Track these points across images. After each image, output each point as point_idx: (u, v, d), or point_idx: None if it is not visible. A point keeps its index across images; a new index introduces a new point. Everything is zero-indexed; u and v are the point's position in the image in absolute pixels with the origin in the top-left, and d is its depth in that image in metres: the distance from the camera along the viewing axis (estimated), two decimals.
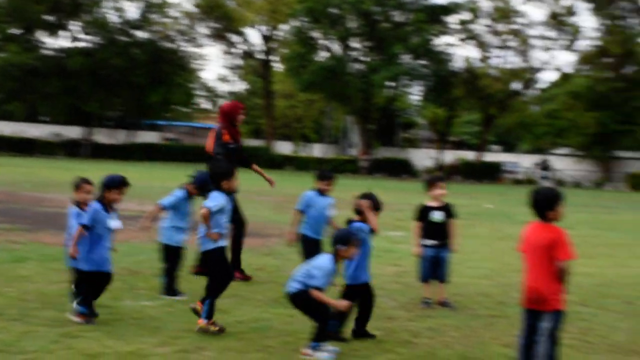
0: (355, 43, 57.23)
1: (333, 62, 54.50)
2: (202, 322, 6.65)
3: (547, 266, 5.42)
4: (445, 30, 58.41)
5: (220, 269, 6.87)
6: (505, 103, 62.51)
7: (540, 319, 5.45)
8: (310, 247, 8.33)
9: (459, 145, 76.13)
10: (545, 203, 5.54)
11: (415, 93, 66.10)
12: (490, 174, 60.68)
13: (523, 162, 68.73)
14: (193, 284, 8.42)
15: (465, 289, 9.33)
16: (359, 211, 6.88)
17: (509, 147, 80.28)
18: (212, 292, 6.75)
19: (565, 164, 69.31)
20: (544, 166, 64.73)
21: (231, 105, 9.96)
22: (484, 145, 66.50)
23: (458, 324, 7.52)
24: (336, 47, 57.04)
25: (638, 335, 7.38)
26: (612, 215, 24.99)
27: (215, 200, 6.82)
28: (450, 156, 64.92)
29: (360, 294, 6.85)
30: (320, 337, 6.08)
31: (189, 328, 6.70)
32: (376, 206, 6.93)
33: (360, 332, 6.82)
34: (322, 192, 8.57)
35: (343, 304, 6.28)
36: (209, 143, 9.59)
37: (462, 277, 10.07)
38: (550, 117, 64.70)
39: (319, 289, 6.05)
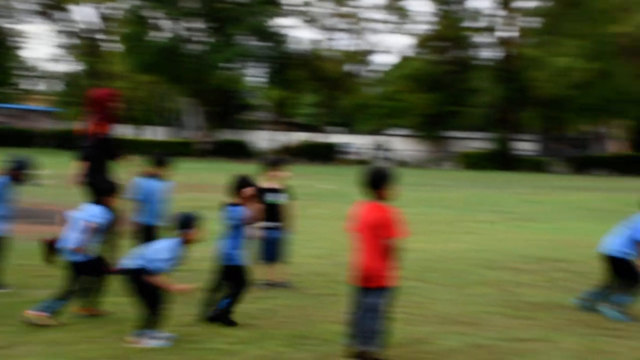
0: (192, 23, 56.29)
1: (170, 43, 53.38)
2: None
3: (377, 244, 5.52)
4: (283, 11, 58.66)
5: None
6: (343, 85, 63.79)
7: (370, 296, 5.55)
8: (148, 234, 8.13)
9: (299, 127, 76.94)
10: (377, 182, 5.63)
11: (255, 75, 66.07)
12: (329, 155, 61.86)
13: (361, 143, 70.51)
14: (19, 276, 8.02)
15: (300, 269, 9.44)
16: (238, 195, 6.79)
17: (347, 129, 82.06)
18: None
19: (401, 144, 71.79)
20: (381, 147, 66.81)
21: (102, 92, 9.12)
22: (323, 127, 67.67)
23: (293, 304, 7.61)
24: (173, 27, 55.86)
25: (462, 306, 7.76)
26: (444, 193, 26.15)
27: (101, 216, 6.64)
28: (291, 138, 65.52)
29: (233, 276, 6.76)
30: (149, 324, 5.94)
31: (12, 323, 6.38)
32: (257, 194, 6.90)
33: (221, 317, 6.69)
34: (157, 177, 8.38)
35: (184, 287, 6.11)
36: (78, 130, 8.99)
37: (298, 257, 10.17)
38: (387, 99, 66.68)
39: (159, 273, 5.91)
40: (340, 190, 24.59)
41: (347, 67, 64.04)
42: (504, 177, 45.38)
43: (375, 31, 64.19)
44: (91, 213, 6.69)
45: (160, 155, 8.55)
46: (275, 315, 7.09)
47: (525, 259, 11.05)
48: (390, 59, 74.83)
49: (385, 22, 63.38)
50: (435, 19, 63.19)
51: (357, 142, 70.72)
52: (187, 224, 6.13)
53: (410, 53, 66.85)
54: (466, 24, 60.85)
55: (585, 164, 60.41)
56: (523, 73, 56.33)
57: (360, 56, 63.99)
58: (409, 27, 63.99)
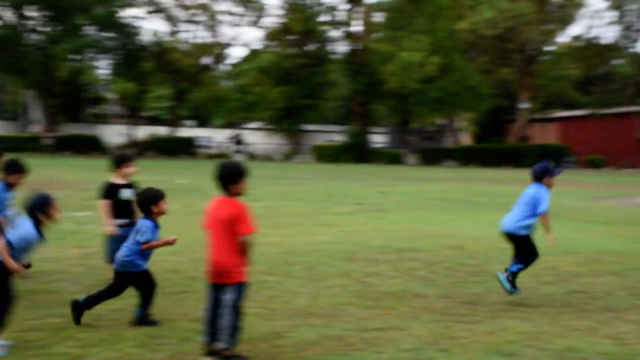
0: (32, 12, 53.54)
1: (6, 32, 50.63)
2: None
3: (229, 240, 5.46)
4: (132, 2, 57.12)
5: None
6: (196, 77, 62.97)
7: (224, 292, 5.48)
8: None
9: (152, 121, 75.33)
10: (229, 177, 5.55)
11: (103, 67, 64.05)
12: (184, 149, 60.96)
13: (217, 136, 70.01)
14: None
15: (155, 267, 9.08)
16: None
17: (202, 122, 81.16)
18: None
19: (257, 138, 71.85)
20: (237, 140, 66.57)
21: None
22: (177, 121, 66.55)
23: None
24: (9, 16, 52.98)
25: (318, 299, 7.74)
26: (299, 186, 26.30)
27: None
28: (142, 132, 64.02)
29: (135, 280, 6.57)
30: None
31: None
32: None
33: (142, 321, 6.52)
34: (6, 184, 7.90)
35: (18, 268, 5.66)
36: None
37: (153, 254, 9.86)
38: (241, 92, 66.48)
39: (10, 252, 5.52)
40: (195, 185, 24.21)
41: (200, 60, 63.22)
42: (360, 169, 46.38)
43: (227, 24, 63.77)
44: None
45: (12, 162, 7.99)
46: (128, 315, 6.77)
47: (382, 250, 11.22)
48: (244, 52, 74.65)
49: (236, 14, 63.04)
50: (285, 12, 63.49)
51: (213, 136, 70.16)
52: (42, 205, 5.76)
53: (262, 46, 66.91)
54: (316, 17, 61.47)
55: (436, 155, 62.74)
56: (373, 67, 57.69)
57: (213, 49, 63.33)
58: (261, 20, 63.96)
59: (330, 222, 15.22)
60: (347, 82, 64.26)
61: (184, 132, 67.61)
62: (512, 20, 57.92)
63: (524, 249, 7.99)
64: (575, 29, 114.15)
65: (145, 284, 6.66)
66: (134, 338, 6.05)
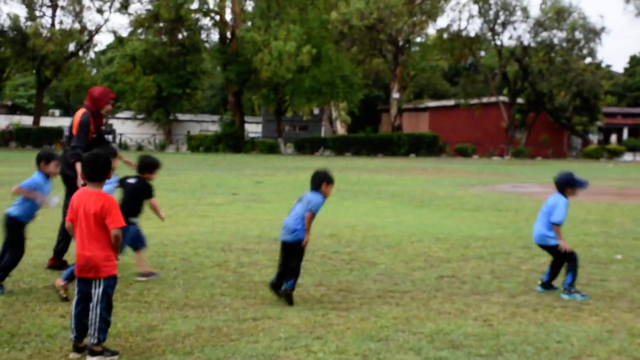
0: None
1: None
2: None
3: (98, 234, 5.34)
4: None
5: None
6: (60, 65, 60.57)
7: (94, 286, 5.33)
8: None
9: (13, 109, 72.10)
10: (95, 171, 5.44)
11: None
12: (50, 139, 58.64)
13: None
14: None
15: (22, 261, 8.71)
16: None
17: (69, 112, 78.42)
18: None
19: (127, 128, 70.18)
20: (107, 130, 64.69)
21: (101, 91, 9.00)
22: (41, 109, 63.87)
23: (10, 301, 6.97)
24: None
25: (192, 290, 7.62)
26: (173, 177, 25.85)
27: None
28: (3, 121, 61.20)
29: None
30: None
31: None
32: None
33: None
34: None
35: None
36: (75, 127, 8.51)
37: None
38: (109, 80, 64.69)
39: None
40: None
41: (65, 47, 60.76)
42: (235, 159, 46.15)
43: (93, 10, 61.73)
44: None
45: None
46: None
47: (257, 240, 11.19)
48: (111, 40, 72.57)
49: (102, 1, 61.10)
50: None
51: None
52: None
53: (131, 34, 65.10)
54: (186, 5, 60.37)
55: (311, 145, 63.27)
56: (246, 56, 57.41)
57: (78, 35, 61.05)
58: (129, 7, 62.20)
59: (205, 213, 15.06)
60: (220, 71, 63.66)
61: (49, 121, 65.05)
62: (382, 12, 59.10)
63: (561, 257, 8.02)
64: (442, 21, 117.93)
65: None
66: None
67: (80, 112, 8.78)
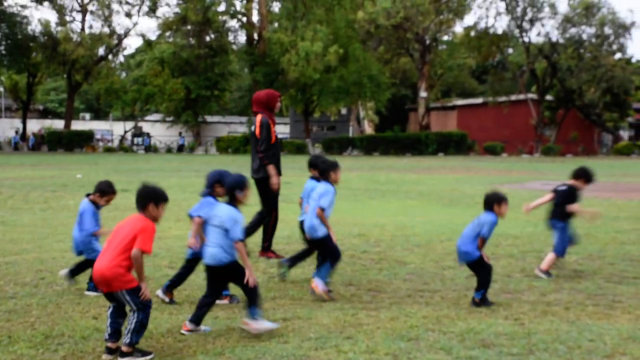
0: None
1: None
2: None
3: (123, 251, 5.37)
4: None
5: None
6: (90, 69, 61.24)
7: (123, 295, 5.37)
8: None
9: (45, 114, 72.96)
10: (142, 201, 5.50)
11: None
12: (81, 142, 59.28)
13: (116, 129, 68.43)
14: None
15: (52, 264, 8.83)
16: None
17: (100, 115, 79.23)
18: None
19: (157, 130, 70.64)
20: (137, 133, 65.23)
21: (268, 93, 9.48)
22: (72, 113, 64.64)
23: (43, 303, 7.05)
24: None
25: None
26: (201, 179, 25.95)
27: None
28: (35, 125, 61.96)
29: None
30: None
31: None
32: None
33: None
34: None
35: None
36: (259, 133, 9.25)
37: (50, 251, 9.56)
38: (138, 84, 65.16)
39: None
40: (92, 179, 23.54)
41: (95, 51, 61.43)
42: None
43: (122, 14, 62.33)
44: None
45: None
46: (24, 316, 6.52)
47: (288, 240, 11.20)
48: (140, 43, 73.15)
49: (130, 4, 61.65)
50: (180, 1, 62.46)
51: (110, 129, 68.52)
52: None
53: (157, 37, 65.60)
54: (213, 7, 60.72)
55: (339, 144, 63.26)
56: (273, 57, 57.59)
57: (108, 40, 61.67)
58: (157, 10, 62.77)
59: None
60: (248, 72, 63.88)
61: (80, 125, 65.75)
62: (408, 10, 58.94)
63: None
64: (469, 19, 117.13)
65: None
66: (30, 339, 5.82)
67: (259, 117, 9.32)
